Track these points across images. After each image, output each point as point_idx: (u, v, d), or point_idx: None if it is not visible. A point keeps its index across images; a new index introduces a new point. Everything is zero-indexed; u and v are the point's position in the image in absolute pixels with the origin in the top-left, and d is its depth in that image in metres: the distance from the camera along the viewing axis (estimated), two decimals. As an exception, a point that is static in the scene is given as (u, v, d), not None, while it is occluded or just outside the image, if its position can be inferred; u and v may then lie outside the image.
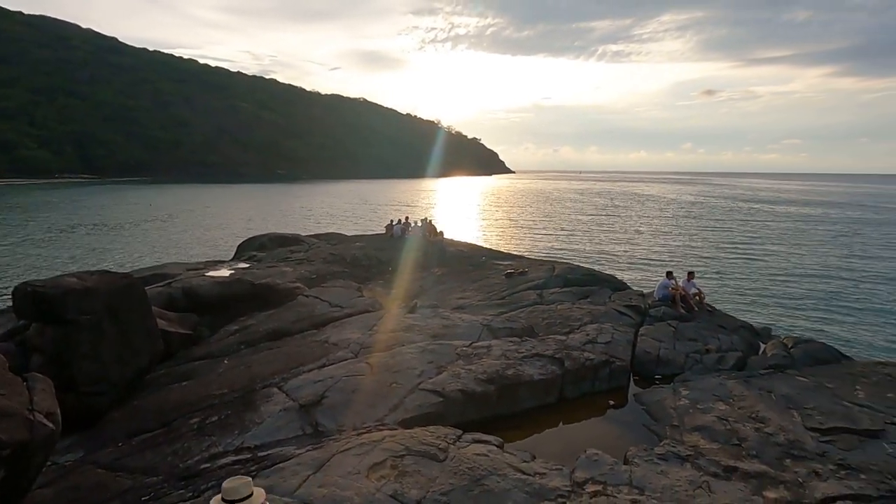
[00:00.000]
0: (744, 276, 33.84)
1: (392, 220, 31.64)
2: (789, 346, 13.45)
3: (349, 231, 42.71)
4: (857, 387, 10.94)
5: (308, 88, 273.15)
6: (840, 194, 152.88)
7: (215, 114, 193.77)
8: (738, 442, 8.72)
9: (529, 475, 7.27)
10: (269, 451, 7.96)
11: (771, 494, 7.23)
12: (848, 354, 13.74)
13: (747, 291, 29.68)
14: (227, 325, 14.99)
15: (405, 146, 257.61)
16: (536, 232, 57.81)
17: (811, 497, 7.19)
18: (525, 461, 7.75)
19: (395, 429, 8.53)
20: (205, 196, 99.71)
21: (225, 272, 18.88)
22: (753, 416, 9.58)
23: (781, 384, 11.00)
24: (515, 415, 10.37)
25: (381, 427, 8.62)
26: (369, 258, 24.60)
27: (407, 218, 32.56)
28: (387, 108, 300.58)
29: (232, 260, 25.33)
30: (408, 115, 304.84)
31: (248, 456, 7.91)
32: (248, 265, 21.59)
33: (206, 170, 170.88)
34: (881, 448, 8.54)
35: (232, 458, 7.90)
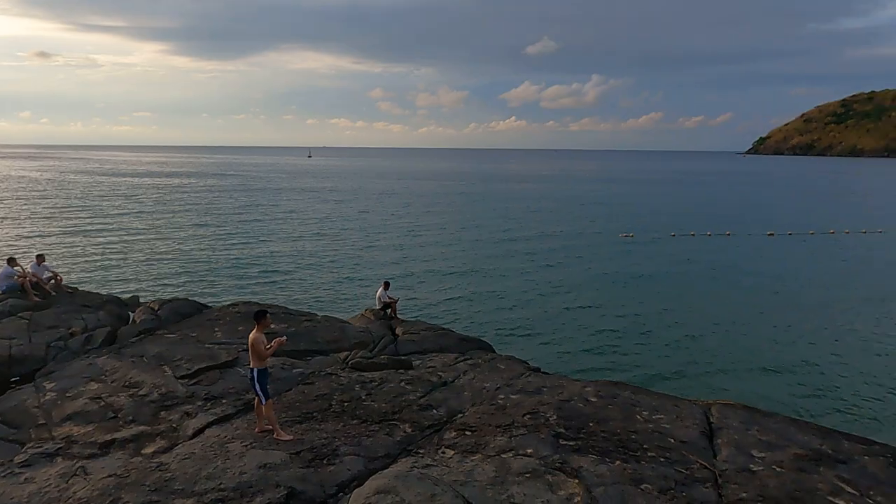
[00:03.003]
0: (109, 251, 32.92)
1: None
2: (156, 308, 14.07)
3: None
4: (216, 329, 12.61)
5: None
6: (193, 164, 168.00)
7: None
8: (114, 414, 8.60)
9: None
10: None
11: (149, 449, 7.51)
12: (208, 304, 15.52)
13: (114, 265, 29.06)
14: None
15: None
16: None
17: (185, 436, 7.89)
18: None
19: None
20: None
21: None
22: (128, 383, 9.64)
23: (152, 346, 11.48)
24: None
25: None
26: None
27: None
28: None
29: None
30: None
31: None
32: None
33: None
34: (237, 373, 10.18)
35: None
